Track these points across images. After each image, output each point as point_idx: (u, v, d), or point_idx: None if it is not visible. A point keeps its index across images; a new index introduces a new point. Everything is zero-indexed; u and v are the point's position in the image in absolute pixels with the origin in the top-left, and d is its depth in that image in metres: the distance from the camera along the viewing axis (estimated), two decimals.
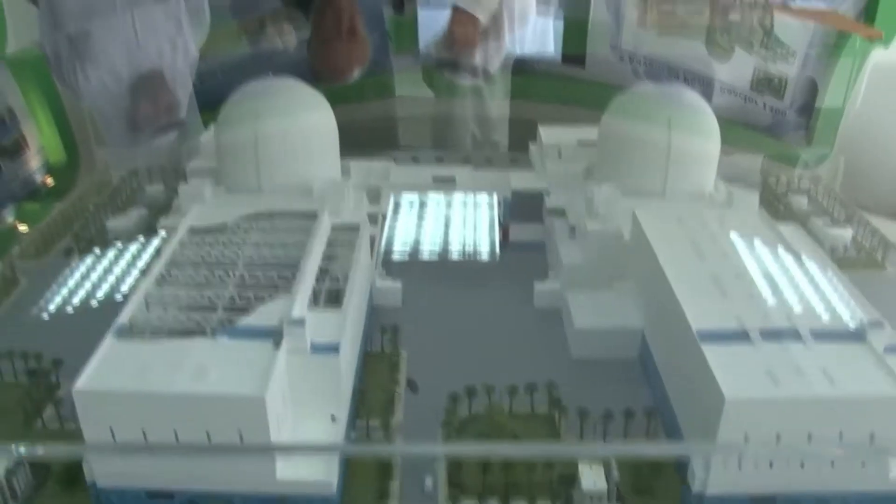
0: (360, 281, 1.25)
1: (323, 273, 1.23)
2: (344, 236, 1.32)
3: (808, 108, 2.49)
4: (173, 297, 1.17)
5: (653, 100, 1.47)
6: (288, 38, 2.29)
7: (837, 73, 2.52)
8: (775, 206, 2.01)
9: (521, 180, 1.55)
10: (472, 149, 2.45)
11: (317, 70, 2.22)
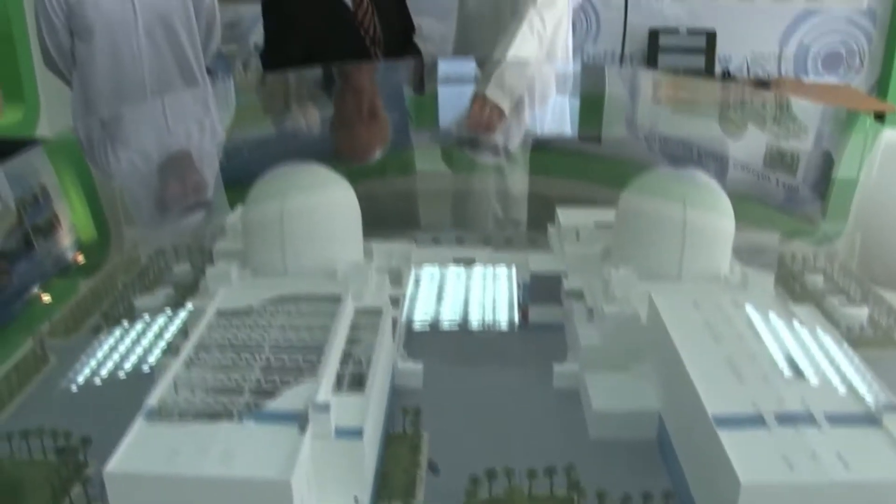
0: (383, 364, 1.28)
1: (346, 357, 1.27)
2: (367, 320, 1.35)
3: (821, 185, 2.52)
4: (201, 380, 1.21)
5: (668, 184, 1.51)
6: (312, 119, 2.37)
7: (850, 149, 2.55)
8: (791, 284, 2.03)
9: (539, 263, 1.58)
10: (492, 227, 2.50)
11: (339, 151, 2.30)
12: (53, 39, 2.71)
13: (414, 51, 2.90)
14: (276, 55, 2.69)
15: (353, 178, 1.94)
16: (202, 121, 2.63)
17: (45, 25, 2.68)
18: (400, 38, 2.79)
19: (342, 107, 2.55)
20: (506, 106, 2.38)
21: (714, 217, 1.59)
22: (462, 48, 2.93)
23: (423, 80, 2.79)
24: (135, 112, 2.62)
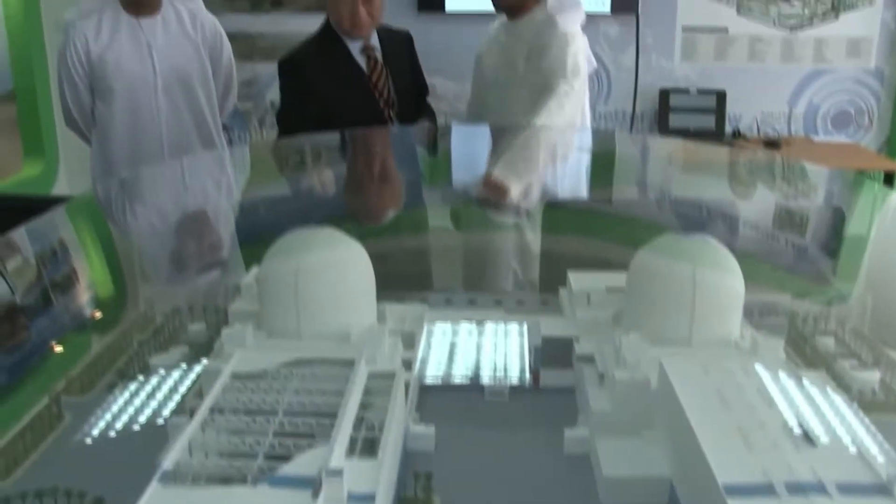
0: (395, 429, 1.29)
1: (359, 421, 1.28)
2: (380, 383, 1.37)
3: (830, 245, 2.54)
4: (215, 443, 1.22)
5: (678, 250, 1.53)
6: (327, 181, 2.42)
7: (859, 209, 2.57)
8: (802, 347, 2.04)
9: (551, 327, 1.60)
10: (505, 287, 2.52)
11: (353, 212, 2.34)
12: (75, 99, 2.77)
13: (427, 112, 2.96)
14: (291, 116, 2.75)
15: (366, 236, 1.98)
16: (218, 179, 2.68)
17: (66, 85, 2.74)
18: (413, 100, 2.85)
19: (356, 169, 2.60)
20: (515, 189, 2.44)
21: (724, 283, 1.60)
22: (477, 110, 2.99)
23: (437, 142, 2.84)
24: (153, 171, 2.67)
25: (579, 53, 2.74)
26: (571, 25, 2.72)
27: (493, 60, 2.68)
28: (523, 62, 2.61)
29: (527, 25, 2.61)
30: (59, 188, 5.36)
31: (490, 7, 4.42)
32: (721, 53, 5.13)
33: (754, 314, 1.84)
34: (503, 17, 2.76)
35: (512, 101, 2.61)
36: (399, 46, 2.54)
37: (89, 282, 2.24)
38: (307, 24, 5.00)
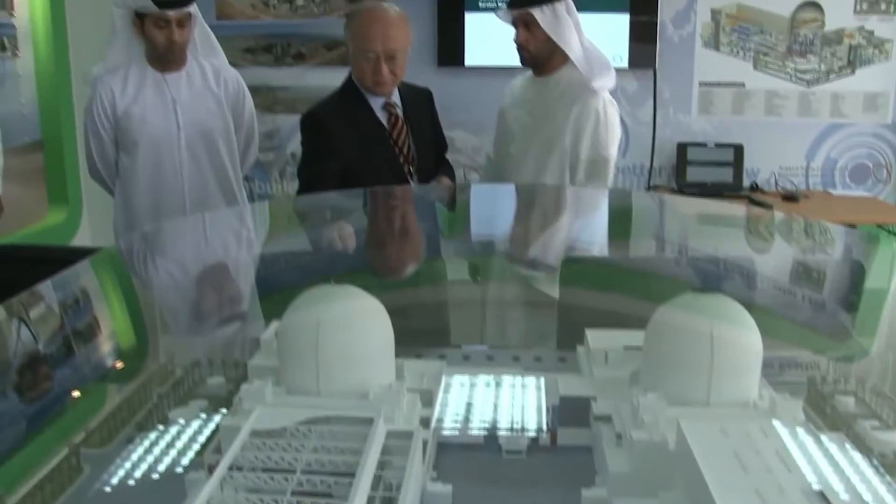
0: (413, 488, 1.29)
1: (377, 480, 1.29)
2: (398, 442, 1.37)
3: (848, 300, 2.53)
4: (234, 501, 1.23)
5: (695, 310, 1.54)
6: (347, 237, 2.44)
7: (878, 263, 2.56)
8: (821, 407, 2.02)
9: (568, 386, 1.60)
10: (521, 340, 2.53)
11: (373, 267, 2.37)
12: (100, 151, 2.82)
13: (446, 168, 2.99)
14: (312, 171, 2.78)
15: (385, 289, 2.00)
16: (239, 233, 2.71)
17: (92, 138, 2.78)
18: (433, 157, 2.89)
19: (376, 225, 2.63)
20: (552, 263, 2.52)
21: (742, 344, 1.60)
22: (500, 164, 3.03)
23: (455, 198, 2.87)
24: (174, 224, 2.71)
25: (617, 122, 2.82)
26: (606, 91, 2.78)
27: (519, 115, 2.73)
28: (554, 120, 2.66)
29: (557, 84, 2.65)
30: (82, 236, 5.43)
31: (509, 62, 4.47)
32: (738, 108, 5.17)
33: (774, 368, 1.84)
34: (528, 73, 2.80)
35: (539, 157, 2.65)
36: (419, 103, 2.58)
37: (111, 332, 2.27)
38: (328, 78, 5.08)
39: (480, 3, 4.72)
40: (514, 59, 4.83)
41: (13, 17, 4.93)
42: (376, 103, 2.47)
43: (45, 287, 2.04)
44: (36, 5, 4.95)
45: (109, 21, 2.92)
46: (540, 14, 2.51)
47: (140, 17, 2.60)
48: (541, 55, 2.58)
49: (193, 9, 2.64)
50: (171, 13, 2.56)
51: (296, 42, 5.12)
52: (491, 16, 4.65)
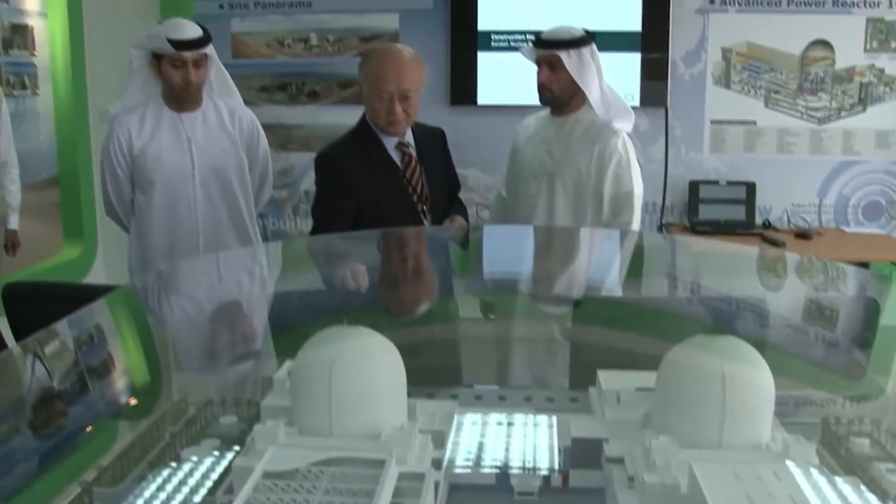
0: None
1: None
2: (410, 484, 1.38)
3: (862, 338, 2.52)
4: None
5: (707, 353, 1.54)
6: (360, 278, 2.46)
7: (892, 300, 2.55)
8: (836, 448, 2.01)
9: (580, 427, 1.60)
10: (533, 379, 2.53)
11: (386, 305, 2.38)
12: (116, 189, 2.85)
13: (459, 207, 3.01)
14: (326, 211, 2.80)
15: (397, 327, 2.00)
16: (252, 270, 2.73)
17: (108, 176, 2.82)
18: (446, 196, 2.91)
19: (390, 264, 2.64)
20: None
21: (755, 387, 1.60)
22: (513, 200, 3.05)
23: (468, 238, 2.89)
24: (188, 263, 2.73)
25: (637, 166, 2.88)
26: (627, 133, 2.82)
27: (536, 154, 2.75)
28: (576, 160, 2.69)
29: (577, 124, 2.68)
30: (96, 272, 5.46)
31: (521, 101, 4.50)
32: (750, 145, 5.20)
33: (787, 407, 1.82)
34: (542, 112, 2.83)
35: (559, 196, 2.68)
36: (432, 143, 2.61)
37: (125, 369, 2.28)
38: (342, 116, 5.14)
39: (493, 43, 4.74)
40: (525, 98, 4.86)
41: (34, 56, 5.03)
42: (390, 143, 2.50)
43: (61, 324, 2.06)
44: (56, 45, 5.05)
45: (127, 61, 2.98)
46: (566, 57, 2.55)
47: (157, 58, 2.64)
48: (563, 96, 2.62)
49: (209, 50, 2.68)
50: (188, 54, 2.60)
51: (310, 81, 5.17)
52: (503, 55, 4.72)
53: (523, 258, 2.83)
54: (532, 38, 2.80)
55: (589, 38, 2.56)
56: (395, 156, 2.52)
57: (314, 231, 2.93)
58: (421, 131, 2.60)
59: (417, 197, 2.79)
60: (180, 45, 2.59)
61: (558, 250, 2.85)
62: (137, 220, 2.87)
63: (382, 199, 2.76)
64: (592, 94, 2.54)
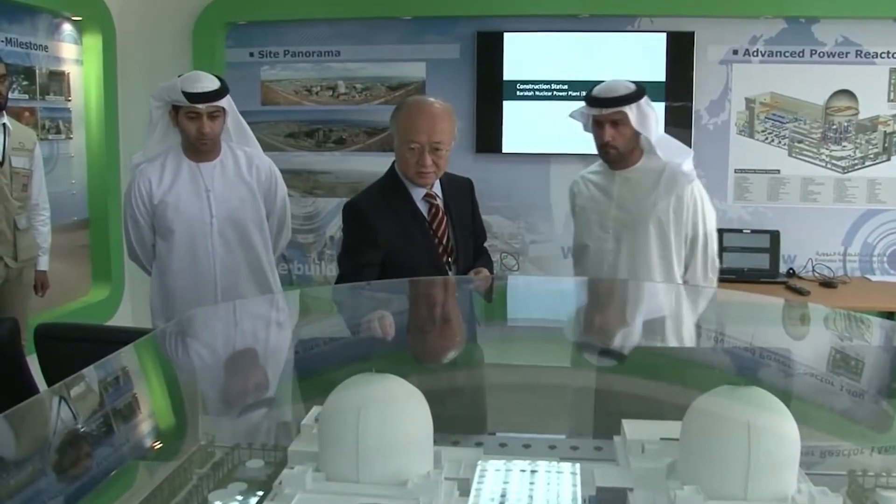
0: None
1: None
2: None
3: (888, 389, 2.50)
4: None
5: (732, 404, 1.55)
6: (388, 327, 2.49)
7: None
8: (862, 501, 1.99)
9: (605, 477, 1.61)
10: (558, 427, 2.52)
11: (414, 353, 2.41)
12: (137, 236, 2.91)
13: (485, 258, 3.04)
14: (353, 262, 2.83)
15: (421, 374, 2.02)
16: (268, 315, 2.77)
17: (130, 223, 2.88)
18: (471, 246, 2.94)
19: (417, 312, 2.67)
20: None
21: (780, 439, 1.60)
22: (589, 258, 3.06)
23: (493, 289, 2.92)
24: (205, 310, 2.78)
25: (712, 206, 2.83)
26: (694, 174, 2.89)
27: (606, 211, 2.80)
28: (653, 211, 2.74)
29: (646, 175, 2.74)
30: (122, 313, 5.53)
31: (545, 149, 4.53)
32: (774, 194, 5.21)
33: (813, 457, 1.81)
34: (596, 167, 2.89)
35: (641, 249, 2.75)
36: (460, 193, 2.65)
37: (150, 411, 2.30)
38: (367, 164, 5.20)
39: (518, 92, 4.78)
40: (550, 146, 4.92)
41: (69, 101, 5.15)
42: (417, 194, 2.54)
43: (88, 369, 2.08)
44: (90, 91, 5.17)
45: (148, 112, 3.05)
46: (630, 112, 2.61)
47: (175, 110, 2.73)
48: (626, 151, 2.67)
49: (225, 102, 2.76)
50: (201, 107, 2.68)
51: (337, 128, 5.24)
52: (528, 104, 4.78)
53: (550, 307, 2.84)
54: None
55: (643, 90, 2.62)
56: (423, 207, 2.56)
57: (340, 282, 2.91)
58: (449, 182, 2.65)
59: (443, 248, 2.80)
60: (194, 97, 2.68)
61: (606, 303, 2.86)
62: (158, 265, 2.95)
63: (408, 249, 2.78)
64: (656, 138, 2.61)
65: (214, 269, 2.91)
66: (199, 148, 2.77)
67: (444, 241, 2.80)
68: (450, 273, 2.88)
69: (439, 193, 2.58)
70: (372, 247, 2.78)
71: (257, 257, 2.94)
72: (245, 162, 2.87)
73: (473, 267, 2.93)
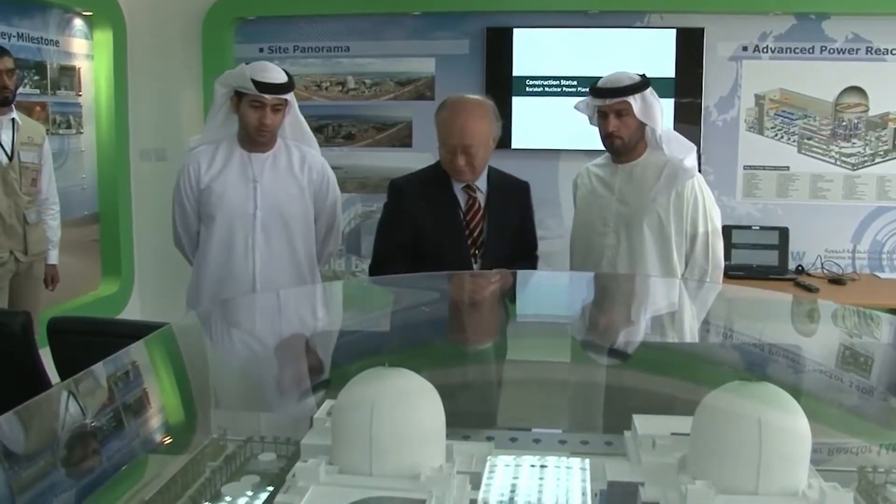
0: None
1: None
2: None
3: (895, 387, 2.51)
4: None
5: (743, 399, 1.56)
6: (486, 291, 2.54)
7: None
8: (873, 496, 2.00)
9: (616, 471, 1.62)
10: (569, 422, 2.53)
11: (455, 338, 2.45)
12: (182, 221, 2.90)
13: (524, 265, 3.04)
14: (387, 242, 2.84)
15: (435, 367, 2.02)
16: (313, 302, 2.77)
17: (177, 207, 2.88)
18: (506, 247, 2.91)
19: (462, 298, 2.72)
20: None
21: (791, 433, 1.61)
22: (587, 251, 3.06)
23: (515, 290, 2.91)
24: (247, 300, 2.78)
25: (714, 202, 2.96)
26: (697, 170, 2.88)
27: (608, 205, 2.80)
28: (655, 205, 2.74)
29: (647, 169, 2.74)
30: (132, 308, 5.55)
31: (554, 145, 4.53)
32: (783, 191, 5.20)
33: (822, 454, 1.81)
34: (600, 161, 2.90)
35: (641, 243, 2.76)
36: (511, 195, 2.70)
37: (161, 405, 2.31)
38: (377, 159, 5.18)
39: (527, 88, 4.62)
40: (559, 142, 4.92)
41: (80, 96, 5.17)
42: (458, 184, 2.58)
43: (98, 365, 2.09)
44: (101, 86, 5.19)
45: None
46: (634, 102, 2.61)
47: (239, 96, 2.72)
48: (631, 142, 2.67)
49: (290, 96, 2.76)
50: (268, 97, 2.67)
51: (346, 123, 5.24)
52: (537, 100, 4.78)
53: (560, 303, 2.85)
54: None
55: (647, 81, 2.63)
56: (461, 196, 2.60)
57: (374, 260, 3.00)
58: (501, 181, 2.70)
59: (472, 240, 2.80)
60: (262, 86, 2.66)
61: (612, 300, 2.87)
62: (199, 253, 2.95)
63: (437, 232, 2.80)
64: (658, 131, 2.62)
65: (253, 261, 2.89)
66: (257, 139, 2.76)
67: (475, 234, 2.80)
68: (474, 266, 2.87)
69: (482, 188, 2.61)
70: (403, 224, 2.75)
71: (298, 258, 2.93)
72: (298, 159, 2.86)
73: (503, 267, 2.93)
